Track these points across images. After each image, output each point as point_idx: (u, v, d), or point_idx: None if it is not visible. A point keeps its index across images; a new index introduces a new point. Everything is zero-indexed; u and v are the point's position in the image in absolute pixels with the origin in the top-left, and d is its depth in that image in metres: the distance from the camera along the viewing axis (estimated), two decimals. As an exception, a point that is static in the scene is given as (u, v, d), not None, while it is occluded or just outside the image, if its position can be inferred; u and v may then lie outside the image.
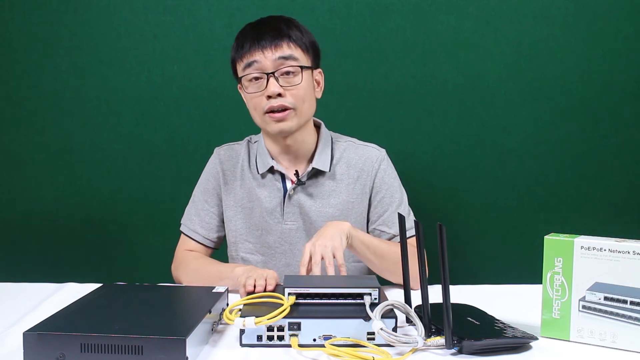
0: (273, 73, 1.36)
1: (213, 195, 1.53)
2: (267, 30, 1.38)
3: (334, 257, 1.22)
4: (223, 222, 1.54)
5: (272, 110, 1.38)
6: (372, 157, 1.50)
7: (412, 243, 1.43)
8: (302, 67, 1.38)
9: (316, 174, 1.47)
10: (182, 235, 1.55)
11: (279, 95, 1.36)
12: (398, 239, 1.41)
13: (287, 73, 1.37)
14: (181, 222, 1.56)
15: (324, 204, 1.46)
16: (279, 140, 1.45)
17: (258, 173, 1.48)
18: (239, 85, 1.46)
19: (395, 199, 1.49)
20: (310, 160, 1.48)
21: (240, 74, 1.41)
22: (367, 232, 1.51)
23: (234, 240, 1.52)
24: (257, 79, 1.38)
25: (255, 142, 1.55)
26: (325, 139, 1.50)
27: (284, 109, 1.37)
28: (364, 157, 1.50)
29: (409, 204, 1.55)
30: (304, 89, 1.39)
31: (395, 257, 1.30)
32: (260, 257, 1.49)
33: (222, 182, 1.52)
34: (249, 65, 1.37)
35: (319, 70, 1.47)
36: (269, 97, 1.37)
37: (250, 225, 1.49)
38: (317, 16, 1.97)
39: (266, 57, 1.36)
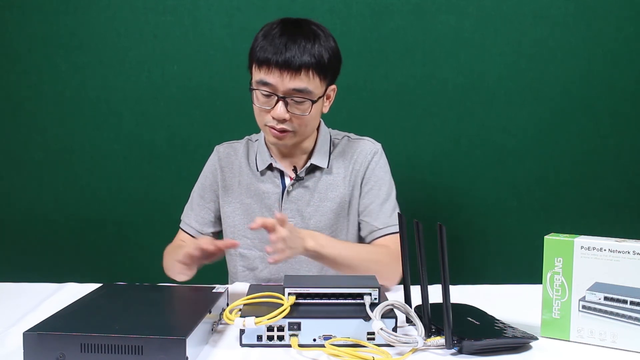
0: (284, 98, 1.34)
1: (210, 192, 1.55)
2: (292, 47, 1.33)
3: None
4: (219, 218, 1.56)
5: (272, 127, 1.38)
6: (366, 149, 1.51)
7: (386, 243, 1.44)
8: (313, 102, 1.36)
9: (314, 169, 1.49)
10: (179, 230, 1.58)
11: (284, 119, 1.36)
12: (379, 232, 1.45)
13: (298, 100, 1.35)
14: (181, 218, 1.59)
15: (322, 198, 1.48)
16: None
17: (257, 170, 1.50)
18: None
19: (382, 192, 1.49)
20: (309, 156, 1.49)
21: (254, 83, 1.38)
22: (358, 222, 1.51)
23: (232, 235, 1.53)
24: (266, 94, 1.36)
25: (255, 140, 1.57)
26: (324, 137, 1.52)
27: (284, 131, 1.38)
28: (358, 150, 1.51)
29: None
30: (310, 117, 1.39)
31: (367, 266, 1.31)
32: (259, 253, 1.50)
33: (219, 178, 1.54)
34: (263, 83, 1.34)
35: (333, 87, 1.46)
36: (273, 117, 1.36)
37: (249, 220, 1.49)
38: (317, 16, 1.96)
39: (282, 82, 1.33)
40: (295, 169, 1.48)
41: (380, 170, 1.50)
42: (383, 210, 1.47)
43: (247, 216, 1.51)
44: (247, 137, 1.59)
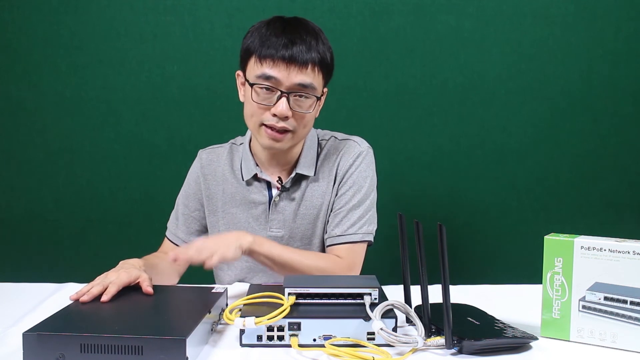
0: (288, 93, 1.28)
1: (194, 200, 1.50)
2: (298, 42, 1.28)
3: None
4: (205, 226, 1.51)
5: (270, 127, 1.32)
6: (350, 151, 1.44)
7: (340, 252, 1.39)
8: (317, 98, 1.33)
9: (300, 178, 1.43)
10: (165, 238, 1.53)
11: (286, 117, 1.30)
12: (336, 239, 1.40)
13: (301, 96, 1.31)
14: (167, 225, 1.54)
15: (307, 206, 1.42)
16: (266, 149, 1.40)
17: (243, 180, 1.44)
18: (238, 72, 1.38)
19: (355, 197, 1.41)
20: (295, 164, 1.43)
21: (252, 77, 1.30)
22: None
23: None
24: (268, 89, 1.29)
25: (240, 144, 1.50)
26: (311, 142, 1.46)
27: (283, 130, 1.32)
28: (342, 151, 1.44)
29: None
30: (311, 116, 1.34)
31: (309, 272, 1.29)
32: (246, 263, 1.46)
33: (203, 187, 1.48)
34: (266, 77, 1.28)
35: (326, 89, 1.41)
36: (274, 114, 1.30)
37: (234, 230, 1.45)
38: (317, 16, 1.97)
39: (289, 76, 1.27)
40: (280, 180, 1.42)
41: (360, 175, 1.42)
42: (349, 216, 1.40)
43: (233, 226, 1.45)
44: (231, 140, 1.53)
